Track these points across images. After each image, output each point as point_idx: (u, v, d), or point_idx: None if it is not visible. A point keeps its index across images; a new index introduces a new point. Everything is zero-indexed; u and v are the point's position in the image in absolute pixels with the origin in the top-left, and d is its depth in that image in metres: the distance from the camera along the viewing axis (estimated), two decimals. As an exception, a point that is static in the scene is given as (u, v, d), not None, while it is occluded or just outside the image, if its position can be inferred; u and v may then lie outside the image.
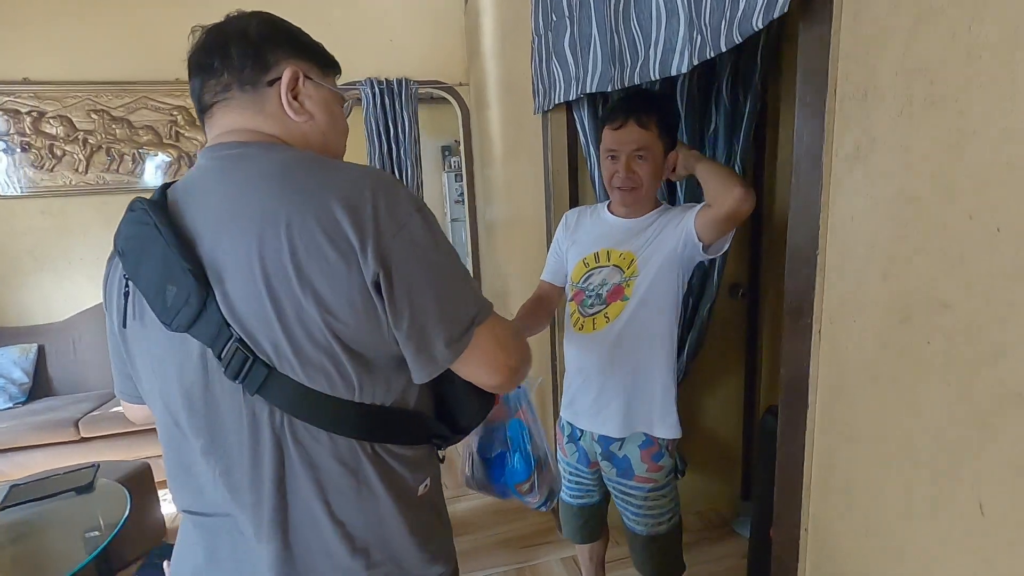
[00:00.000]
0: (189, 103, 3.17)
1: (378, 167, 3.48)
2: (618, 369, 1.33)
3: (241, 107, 0.69)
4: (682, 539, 1.54)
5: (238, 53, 0.68)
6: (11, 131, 2.99)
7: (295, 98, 0.70)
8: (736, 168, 1.88)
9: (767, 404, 2.21)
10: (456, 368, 0.69)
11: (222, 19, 0.71)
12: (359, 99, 3.36)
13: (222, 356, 0.62)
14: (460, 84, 3.47)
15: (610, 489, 1.50)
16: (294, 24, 0.77)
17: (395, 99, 3.40)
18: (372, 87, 3.34)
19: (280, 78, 0.69)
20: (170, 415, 0.69)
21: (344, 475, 0.67)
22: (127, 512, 1.82)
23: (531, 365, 0.76)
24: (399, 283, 0.62)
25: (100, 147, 3.10)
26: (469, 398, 0.76)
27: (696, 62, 0.99)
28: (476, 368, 0.70)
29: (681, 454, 2.02)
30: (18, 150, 3.01)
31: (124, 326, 0.70)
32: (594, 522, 1.61)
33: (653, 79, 1.08)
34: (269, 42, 0.70)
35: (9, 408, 2.82)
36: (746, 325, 2.20)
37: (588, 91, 1.41)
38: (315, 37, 0.78)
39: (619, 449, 1.40)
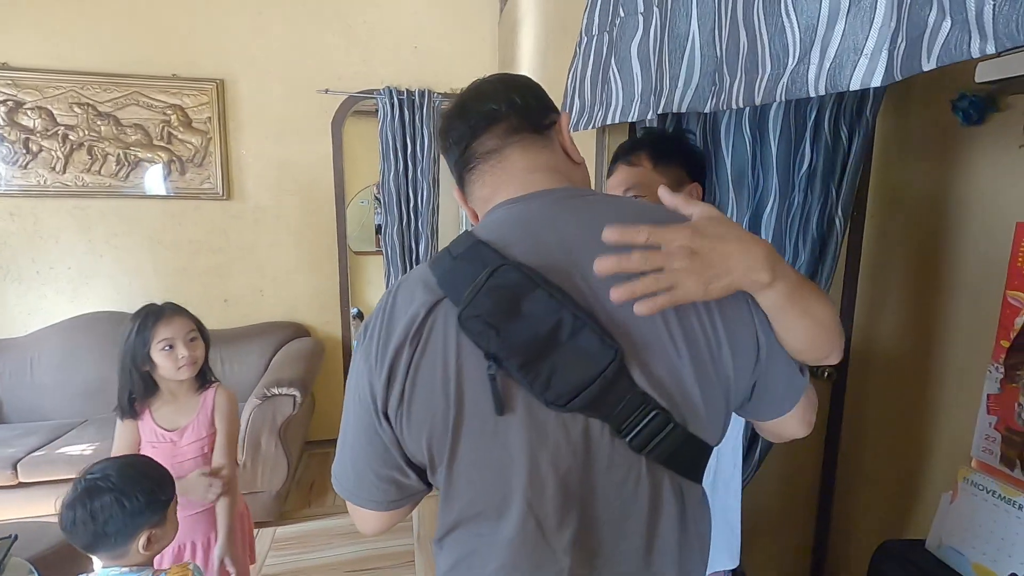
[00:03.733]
0: (185, 102, 2.84)
1: (391, 186, 3.13)
2: None
3: (536, 147, 0.67)
4: None
5: (520, 96, 0.68)
6: (-17, 121, 2.67)
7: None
8: (837, 221, 1.49)
9: (841, 509, 1.78)
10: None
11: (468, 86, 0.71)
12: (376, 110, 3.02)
13: (623, 428, 0.58)
14: (489, 99, 3.11)
15: None
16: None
17: (415, 112, 3.05)
18: (391, 97, 2.99)
19: (557, 121, 0.69)
20: (530, 515, 0.60)
21: (707, 524, 0.68)
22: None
23: None
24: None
25: (82, 144, 2.76)
26: None
27: (901, 76, 0.60)
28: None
29: (743, 573, 1.61)
30: (-10, 142, 2.69)
31: (500, 413, 0.57)
32: None
33: (812, 95, 0.69)
34: (539, 88, 0.71)
35: (-54, 437, 2.44)
36: (828, 412, 1.77)
37: (675, 110, 1.03)
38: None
39: None
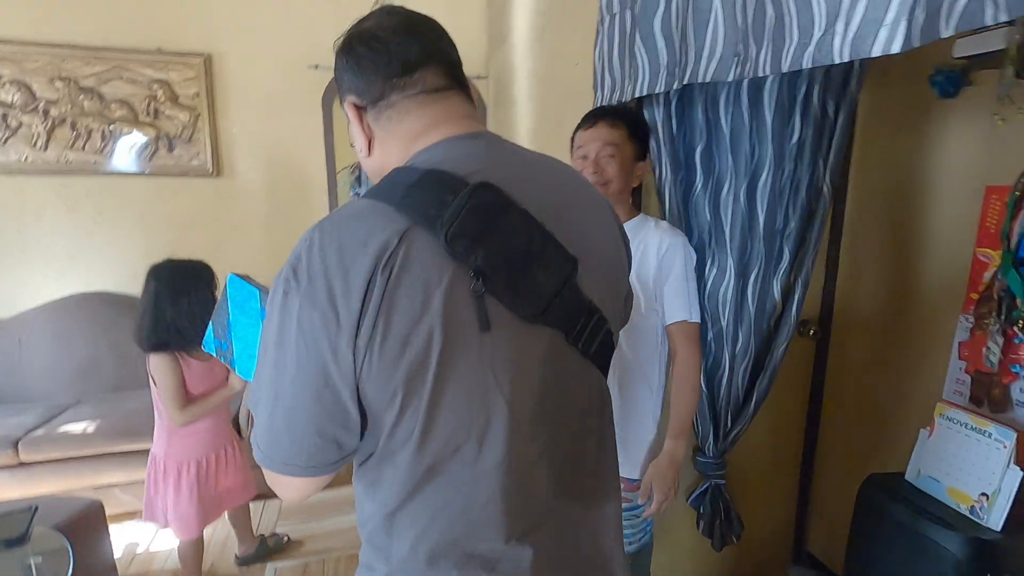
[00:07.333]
0: (171, 77, 2.79)
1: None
2: None
3: (467, 100, 0.70)
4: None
5: (456, 52, 0.70)
6: (-42, 95, 2.57)
7: None
8: (824, 188, 1.62)
9: (826, 453, 1.95)
10: None
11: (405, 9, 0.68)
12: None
13: (575, 334, 0.65)
14: (478, 77, 3.14)
15: None
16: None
17: (405, 88, 3.06)
18: (381, 73, 2.99)
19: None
20: (516, 432, 0.62)
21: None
22: (69, 572, 1.47)
23: None
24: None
25: (64, 120, 2.69)
26: None
27: (919, 43, 0.70)
28: None
29: (737, 515, 1.75)
30: (-35, 118, 2.59)
31: (486, 329, 0.58)
32: None
33: (836, 61, 0.79)
34: None
35: (-64, 420, 2.38)
36: (812, 367, 1.93)
37: (699, 80, 1.11)
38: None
39: None
